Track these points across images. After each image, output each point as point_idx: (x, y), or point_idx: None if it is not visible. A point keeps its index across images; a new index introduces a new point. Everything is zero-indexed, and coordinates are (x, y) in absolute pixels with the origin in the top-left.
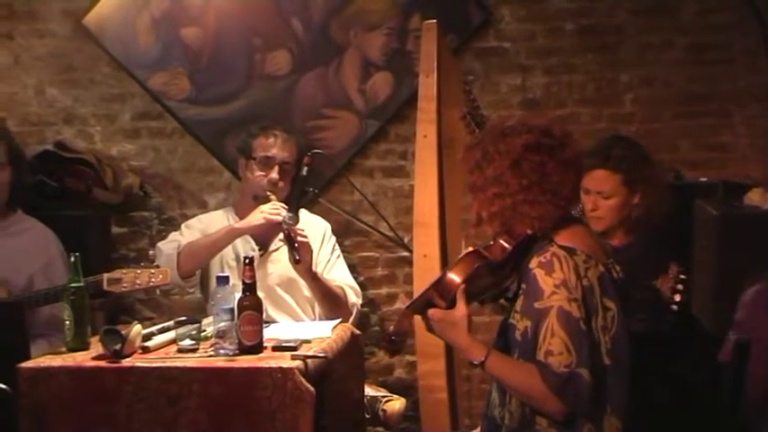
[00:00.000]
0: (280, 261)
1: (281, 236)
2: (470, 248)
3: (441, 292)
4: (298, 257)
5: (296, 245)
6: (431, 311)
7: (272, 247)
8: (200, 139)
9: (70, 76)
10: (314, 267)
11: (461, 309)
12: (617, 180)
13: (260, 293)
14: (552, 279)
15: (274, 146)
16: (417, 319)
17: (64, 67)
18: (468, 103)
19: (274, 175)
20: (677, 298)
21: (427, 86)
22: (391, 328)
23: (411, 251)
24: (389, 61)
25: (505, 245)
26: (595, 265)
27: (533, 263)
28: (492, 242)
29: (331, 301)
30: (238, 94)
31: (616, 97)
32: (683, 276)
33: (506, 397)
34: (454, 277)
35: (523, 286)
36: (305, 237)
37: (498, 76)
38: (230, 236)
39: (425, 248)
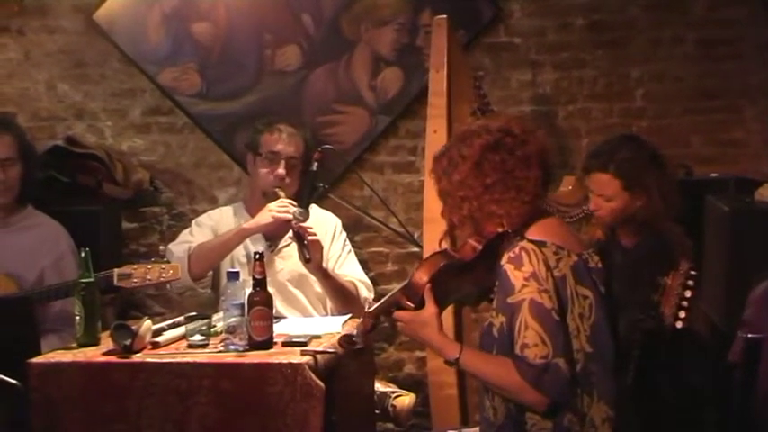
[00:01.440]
0: (290, 257)
1: (290, 233)
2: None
3: (408, 294)
4: (308, 256)
5: (306, 243)
6: (399, 313)
7: (282, 243)
8: (211, 134)
9: (81, 71)
10: (325, 263)
11: (430, 308)
12: (618, 185)
13: (270, 289)
14: (522, 273)
15: (279, 141)
16: None
17: (74, 62)
18: (478, 98)
19: (281, 170)
20: (687, 294)
21: (437, 82)
22: (354, 328)
23: (421, 247)
24: (400, 57)
25: (475, 244)
26: (567, 256)
27: (504, 259)
28: (463, 243)
29: (343, 297)
30: (249, 90)
31: (627, 93)
32: (693, 273)
33: (489, 393)
34: (420, 276)
35: (497, 283)
36: (314, 234)
37: (508, 72)
38: (240, 236)
39: (435, 244)
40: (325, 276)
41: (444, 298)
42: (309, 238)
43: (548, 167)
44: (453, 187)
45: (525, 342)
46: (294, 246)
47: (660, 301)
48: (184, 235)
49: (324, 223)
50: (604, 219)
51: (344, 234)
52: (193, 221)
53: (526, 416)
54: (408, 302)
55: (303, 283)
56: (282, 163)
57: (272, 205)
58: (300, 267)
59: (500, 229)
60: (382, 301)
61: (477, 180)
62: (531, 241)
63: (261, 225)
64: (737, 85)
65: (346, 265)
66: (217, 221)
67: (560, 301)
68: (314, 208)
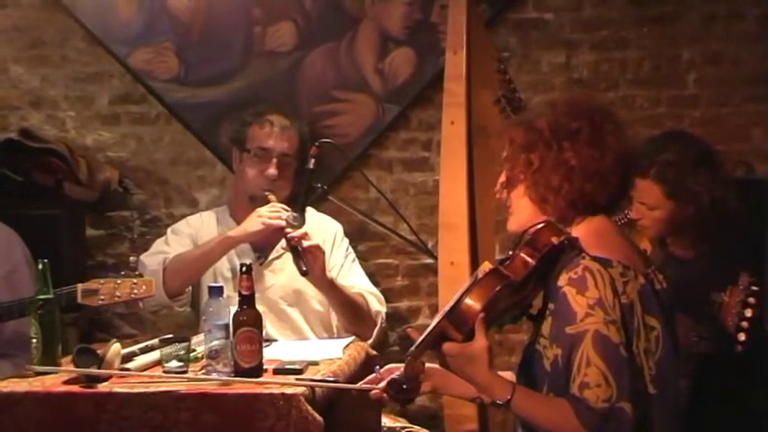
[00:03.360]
0: (282, 270)
1: (283, 242)
2: (488, 266)
3: (456, 323)
4: (305, 268)
5: (301, 251)
6: (446, 346)
7: (274, 254)
8: (190, 126)
9: (38, 52)
10: (327, 273)
11: (481, 341)
12: (660, 192)
13: (259, 308)
14: (586, 299)
15: (270, 136)
16: None
17: (31, 41)
18: (502, 84)
19: (272, 170)
20: (748, 314)
21: (455, 65)
22: (400, 372)
23: (436, 258)
24: (411, 35)
25: (528, 259)
26: (635, 278)
27: (562, 280)
28: (511, 256)
29: (352, 312)
30: (235, 74)
31: (677, 77)
32: (755, 288)
33: None
34: (472, 304)
35: (551, 306)
36: (310, 240)
37: (538, 53)
38: (224, 246)
39: (453, 254)
40: (331, 287)
41: (490, 324)
42: (306, 243)
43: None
44: (556, 161)
45: (586, 381)
46: (287, 258)
47: (717, 320)
48: (159, 244)
49: (322, 230)
50: (650, 229)
51: (346, 241)
52: (169, 229)
53: None
54: (456, 333)
55: (298, 301)
56: (274, 161)
57: (262, 210)
58: (295, 282)
59: (555, 240)
60: (425, 333)
61: (594, 157)
62: (595, 259)
63: (249, 233)
64: None
65: (351, 275)
66: (197, 229)
67: (627, 334)
68: (310, 212)
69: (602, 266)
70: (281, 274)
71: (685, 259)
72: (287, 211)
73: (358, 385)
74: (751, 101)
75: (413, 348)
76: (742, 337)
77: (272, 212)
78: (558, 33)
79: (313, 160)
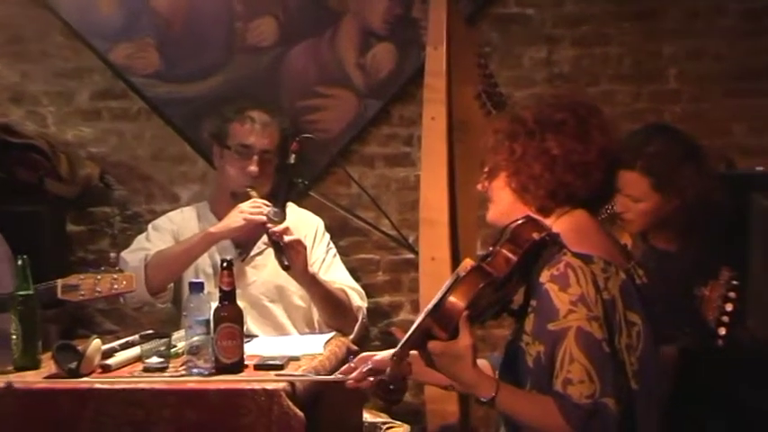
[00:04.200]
0: (264, 266)
1: (265, 238)
2: (470, 264)
3: (440, 322)
4: (287, 262)
5: (283, 246)
6: (431, 345)
7: (255, 250)
8: (171, 121)
9: (18, 47)
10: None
11: (466, 339)
12: (647, 184)
13: (241, 304)
14: (568, 295)
15: (252, 132)
16: None
17: (10, 36)
18: (483, 79)
19: (253, 167)
20: (728, 308)
21: (436, 60)
22: (387, 372)
23: (417, 253)
24: (393, 31)
25: (510, 256)
26: (616, 273)
27: (544, 276)
28: (492, 252)
29: (333, 307)
30: (216, 70)
31: (658, 73)
32: (735, 283)
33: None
34: (456, 302)
35: (533, 303)
36: (292, 234)
37: (520, 48)
38: (206, 242)
39: (434, 250)
40: (312, 282)
41: (473, 322)
42: (287, 238)
43: None
44: (539, 150)
45: (569, 377)
46: (269, 254)
47: (698, 315)
48: (140, 241)
49: (303, 225)
50: (633, 223)
51: (328, 236)
52: (150, 225)
53: None
54: (440, 331)
55: (280, 297)
56: (255, 158)
57: (244, 206)
58: (277, 278)
59: (536, 236)
60: (410, 332)
61: (576, 149)
62: (577, 255)
63: (231, 229)
64: None
65: (332, 270)
66: (178, 225)
67: (609, 329)
68: (291, 207)
69: (583, 263)
70: (263, 270)
71: (667, 253)
72: (268, 206)
73: (333, 376)
74: (732, 96)
75: (398, 348)
76: (723, 331)
77: (254, 208)
78: (539, 29)
79: (294, 156)
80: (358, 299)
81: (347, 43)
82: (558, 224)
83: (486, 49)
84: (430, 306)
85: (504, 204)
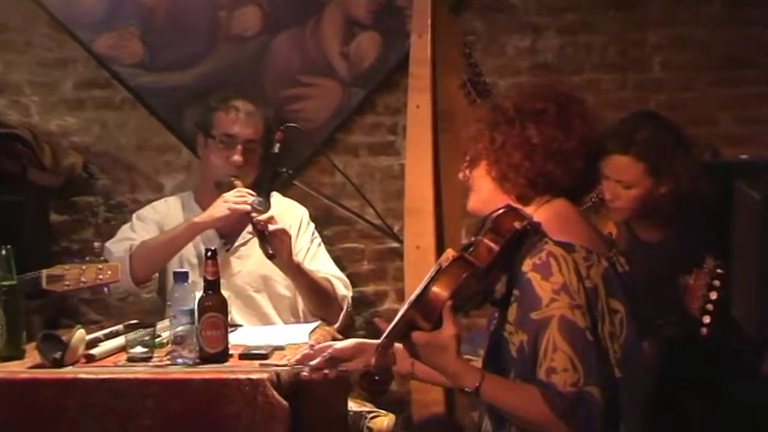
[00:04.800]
0: (249, 257)
1: (249, 228)
2: (452, 254)
3: (424, 312)
4: (271, 251)
5: (267, 235)
6: (415, 335)
7: (240, 240)
8: (155, 111)
9: (1, 37)
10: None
11: (449, 329)
12: (640, 169)
13: (226, 294)
14: (550, 284)
15: (236, 122)
16: None
17: None
18: (468, 68)
19: (237, 157)
20: (713, 296)
21: (420, 49)
22: (372, 362)
23: (402, 242)
24: (377, 19)
25: (492, 245)
26: (598, 261)
27: (526, 266)
28: (474, 242)
29: (319, 296)
30: (200, 59)
31: (643, 61)
32: (720, 271)
33: (505, 423)
34: (440, 292)
35: (516, 292)
36: (276, 223)
37: (504, 37)
38: (191, 231)
39: (418, 239)
40: (298, 272)
41: (456, 312)
42: (271, 227)
43: None
44: (519, 138)
45: (553, 366)
46: (254, 244)
47: (682, 303)
48: (124, 231)
49: (288, 215)
50: (622, 210)
51: (312, 226)
52: (134, 215)
53: None
54: (424, 322)
55: (265, 287)
56: (239, 148)
57: (228, 195)
58: (262, 268)
59: (518, 225)
60: (394, 323)
61: (557, 138)
62: (558, 244)
63: (215, 218)
64: None
65: (317, 260)
66: (162, 215)
67: (592, 318)
68: (276, 197)
69: (565, 251)
70: (248, 260)
71: (651, 243)
72: (252, 195)
73: (294, 359)
74: (717, 85)
75: (382, 339)
76: (707, 320)
77: (238, 197)
78: (523, 17)
79: (278, 145)
80: (343, 288)
81: (331, 32)
82: (540, 213)
83: (470, 37)
84: (413, 297)
85: (484, 193)
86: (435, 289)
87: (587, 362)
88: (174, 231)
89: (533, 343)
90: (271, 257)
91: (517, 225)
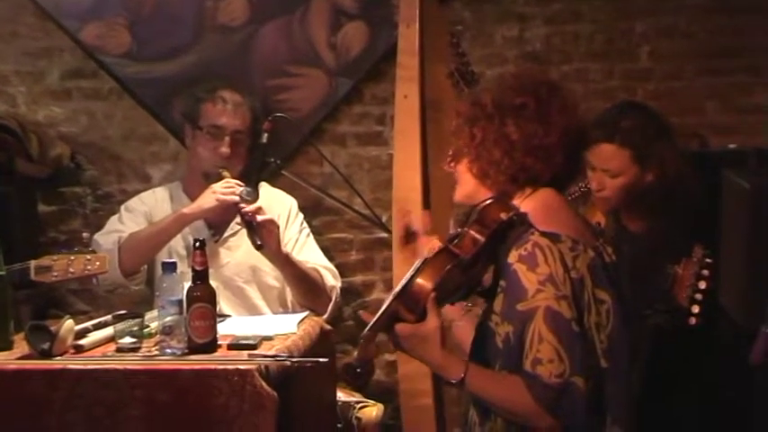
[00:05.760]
0: (239, 247)
1: (238, 219)
2: (437, 245)
3: (408, 304)
4: (260, 242)
5: (255, 226)
6: (399, 327)
7: (229, 231)
8: (143, 101)
9: None
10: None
11: (433, 320)
12: (625, 156)
13: (214, 284)
14: (536, 275)
15: (224, 113)
16: None
17: None
18: (456, 57)
19: (225, 148)
20: (702, 286)
21: (408, 38)
22: (354, 355)
23: (390, 232)
24: (364, 9)
25: (477, 236)
26: (584, 251)
27: (512, 256)
28: (460, 233)
29: (307, 287)
30: (187, 49)
31: (630, 51)
32: (708, 260)
33: (491, 415)
34: (424, 284)
35: (502, 283)
36: (264, 214)
37: (492, 27)
38: (179, 223)
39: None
40: (286, 262)
41: (441, 303)
42: (260, 218)
43: None
44: (498, 135)
45: (539, 357)
46: (242, 235)
47: (670, 293)
48: (113, 223)
49: (276, 205)
50: (609, 199)
51: (301, 216)
52: (122, 207)
53: None
54: (408, 314)
55: (254, 278)
56: (227, 139)
57: (216, 186)
58: (251, 259)
59: (504, 216)
60: (377, 315)
61: (537, 133)
62: (545, 234)
63: (203, 209)
64: (759, 42)
65: (306, 250)
66: (150, 206)
67: (578, 308)
68: (264, 187)
69: (551, 242)
70: (237, 251)
71: (638, 233)
72: (241, 186)
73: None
74: (704, 74)
75: (365, 331)
76: (696, 309)
77: (226, 188)
78: (511, 7)
79: (266, 135)
80: (331, 278)
81: (318, 22)
82: (526, 203)
83: (458, 27)
84: (398, 288)
85: (469, 187)
86: (419, 281)
87: (573, 353)
88: (162, 223)
89: (519, 334)
90: (259, 248)
91: (503, 216)
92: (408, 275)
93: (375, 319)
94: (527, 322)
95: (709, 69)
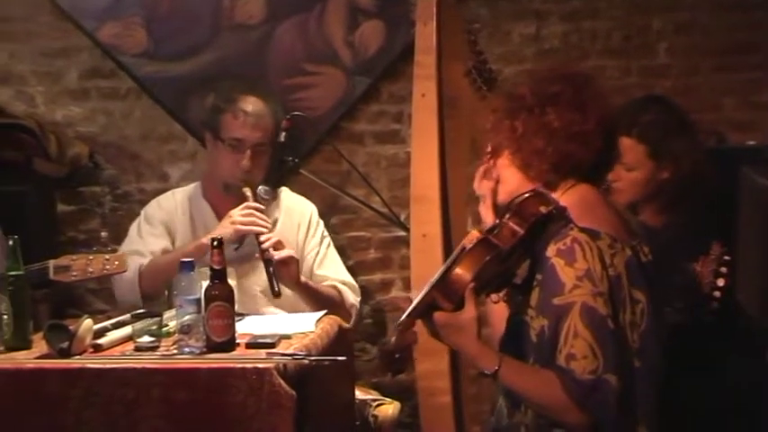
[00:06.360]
0: (260, 259)
1: (257, 253)
2: (476, 235)
3: (446, 293)
4: (277, 289)
5: (273, 271)
6: (436, 315)
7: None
8: (160, 100)
9: (5, 27)
10: (302, 263)
11: (470, 311)
12: (641, 151)
13: (245, 298)
14: (574, 270)
15: (244, 126)
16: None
17: None
18: (473, 56)
19: (246, 161)
20: (720, 283)
21: (425, 37)
22: (392, 341)
23: (408, 230)
24: (382, 7)
25: (516, 228)
26: (622, 250)
27: (551, 250)
28: (498, 225)
29: (324, 308)
30: (204, 48)
31: (647, 47)
32: (726, 258)
33: (521, 407)
34: (463, 273)
35: (538, 277)
36: (281, 251)
37: (509, 24)
38: (198, 251)
39: (424, 227)
40: (305, 290)
41: (477, 294)
42: (278, 256)
43: None
44: (539, 124)
45: (572, 353)
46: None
47: (689, 291)
48: (132, 239)
49: (296, 213)
50: (624, 192)
51: (322, 224)
52: (142, 213)
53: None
54: (445, 303)
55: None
56: (248, 153)
57: (235, 213)
58: None
59: (544, 209)
60: (415, 302)
61: (576, 119)
62: (584, 230)
63: None
64: None
65: (327, 263)
66: (170, 214)
67: (613, 306)
68: (285, 192)
69: (590, 238)
70: (259, 263)
71: (654, 228)
72: (261, 209)
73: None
74: (722, 70)
75: (403, 318)
76: (714, 306)
77: (245, 216)
78: (528, 4)
79: (284, 134)
80: (351, 296)
81: (335, 20)
82: (565, 198)
83: (475, 25)
84: (436, 277)
85: (512, 183)
86: (458, 270)
87: (607, 350)
88: (181, 251)
89: (554, 328)
90: (276, 296)
91: (543, 209)
92: (446, 264)
93: (413, 306)
94: (562, 317)
95: (726, 66)
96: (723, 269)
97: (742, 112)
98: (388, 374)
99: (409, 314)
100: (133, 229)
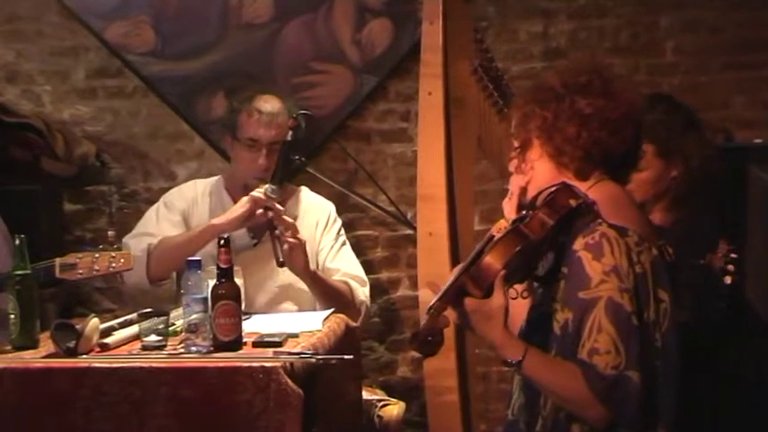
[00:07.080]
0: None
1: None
2: (504, 224)
3: (476, 279)
4: (281, 258)
5: (278, 237)
6: (466, 301)
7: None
8: (167, 99)
9: (13, 26)
10: (315, 256)
11: (499, 298)
12: (650, 151)
13: (263, 294)
14: (601, 265)
15: (259, 125)
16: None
17: (5, 16)
18: (479, 54)
19: (262, 160)
20: (728, 281)
21: (432, 35)
22: (422, 324)
23: (415, 228)
24: (388, 6)
25: (546, 220)
26: (648, 249)
27: (578, 244)
28: (528, 215)
29: (335, 302)
30: (211, 47)
31: (655, 45)
32: (733, 255)
33: (541, 400)
34: (493, 262)
35: (564, 270)
36: (296, 239)
37: (516, 23)
38: (209, 234)
39: (431, 225)
40: (314, 280)
41: (505, 284)
42: (289, 240)
43: None
44: (571, 112)
45: (596, 347)
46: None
47: (696, 289)
48: (148, 221)
49: (315, 212)
50: (635, 193)
51: (339, 222)
52: (162, 199)
53: (572, 427)
54: (475, 289)
55: (292, 295)
56: (264, 152)
57: (244, 198)
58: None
59: (573, 203)
60: (446, 287)
61: (607, 107)
62: (612, 226)
63: (231, 219)
64: None
65: (339, 258)
66: (189, 203)
67: (638, 303)
68: (305, 192)
69: (618, 234)
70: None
71: (662, 227)
72: (267, 185)
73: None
74: (730, 68)
75: (435, 301)
76: (721, 304)
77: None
78: (535, 2)
79: (291, 132)
80: (361, 293)
81: (342, 19)
82: (593, 193)
83: (482, 23)
84: (465, 263)
85: (542, 178)
86: (489, 259)
87: (630, 346)
88: (192, 233)
89: (578, 322)
90: (280, 265)
91: (572, 203)
92: (475, 251)
93: (444, 290)
94: (587, 310)
95: (734, 64)
96: (730, 266)
97: (750, 110)
98: (422, 356)
99: (440, 298)
100: (151, 211)
